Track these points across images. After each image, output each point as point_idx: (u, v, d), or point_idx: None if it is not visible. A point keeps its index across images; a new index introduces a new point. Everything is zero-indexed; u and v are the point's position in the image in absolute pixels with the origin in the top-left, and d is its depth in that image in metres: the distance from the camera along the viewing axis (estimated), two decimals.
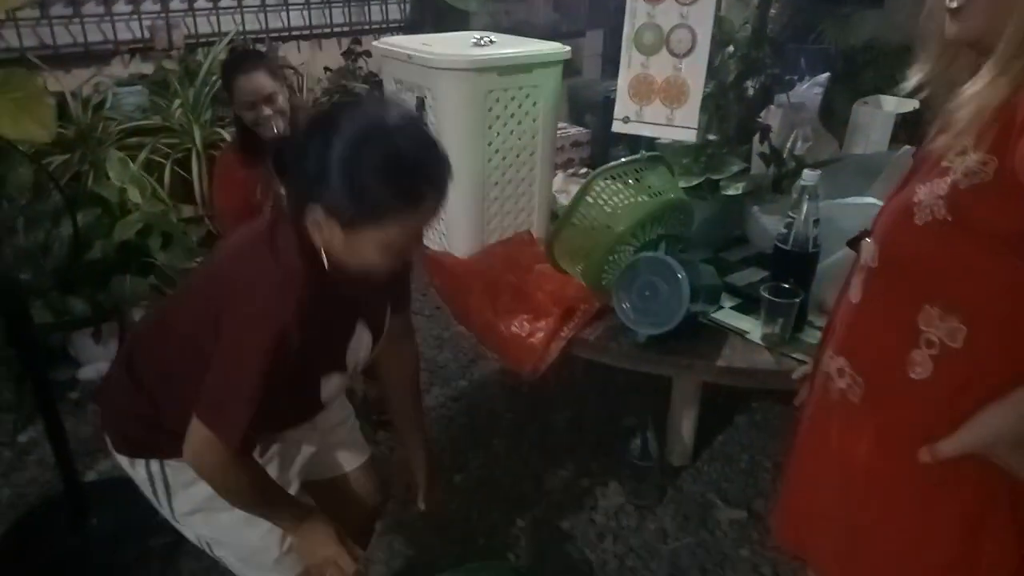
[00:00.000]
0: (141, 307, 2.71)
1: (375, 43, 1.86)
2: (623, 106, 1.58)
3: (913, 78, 0.94)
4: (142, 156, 2.79)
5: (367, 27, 3.80)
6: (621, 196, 1.43)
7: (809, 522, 1.05)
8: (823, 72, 2.22)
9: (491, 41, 1.73)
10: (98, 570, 1.89)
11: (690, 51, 1.44)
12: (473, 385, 2.66)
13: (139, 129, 2.89)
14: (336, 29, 3.68)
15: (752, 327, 1.49)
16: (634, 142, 1.82)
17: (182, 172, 2.88)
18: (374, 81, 3.60)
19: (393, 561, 1.90)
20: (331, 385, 1.18)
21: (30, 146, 2.20)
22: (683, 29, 1.44)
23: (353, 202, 0.95)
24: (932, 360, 0.82)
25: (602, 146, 2.16)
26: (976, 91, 0.77)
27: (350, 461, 1.46)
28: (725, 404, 2.45)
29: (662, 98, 1.51)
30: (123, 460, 1.22)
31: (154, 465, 1.19)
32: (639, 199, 1.43)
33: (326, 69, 3.63)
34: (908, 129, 1.96)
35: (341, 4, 3.69)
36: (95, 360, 2.71)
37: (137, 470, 1.22)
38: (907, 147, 1.60)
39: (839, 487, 0.97)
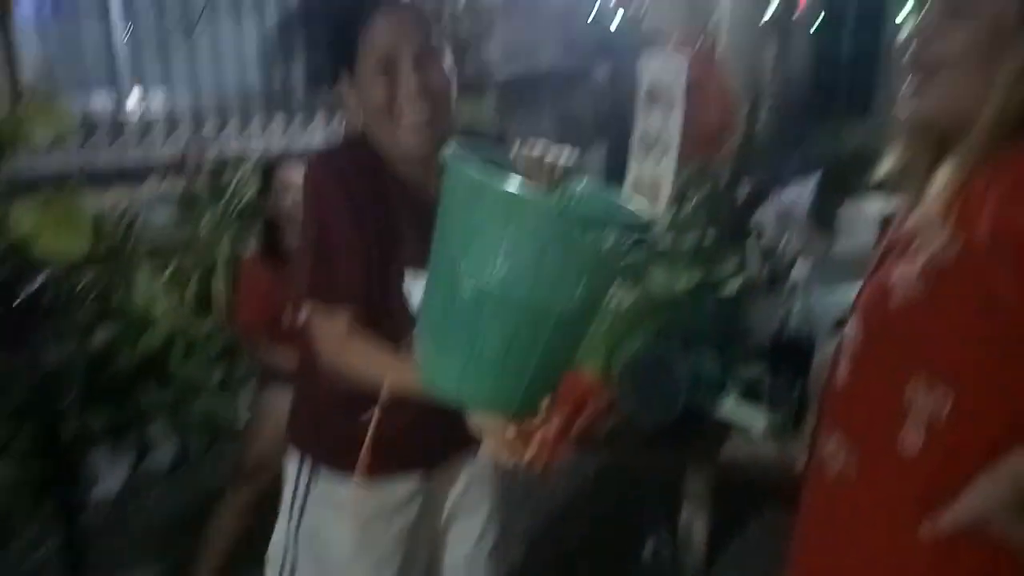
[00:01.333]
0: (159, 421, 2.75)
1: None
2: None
3: (885, 166, 1.01)
4: (169, 270, 2.93)
5: None
6: (628, 290, 1.51)
7: None
8: (812, 174, 2.34)
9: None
10: None
11: (665, 154, 1.56)
12: None
13: (167, 244, 3.04)
14: None
15: (756, 420, 1.53)
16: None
17: (207, 285, 3.00)
18: None
19: None
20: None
21: (65, 260, 2.34)
22: (662, 134, 1.57)
23: (334, 45, 1.09)
24: (922, 433, 0.84)
25: None
26: (948, 174, 0.83)
27: None
28: (740, 510, 2.41)
29: (648, 194, 1.63)
30: (289, 450, 1.27)
31: (306, 466, 1.23)
32: (646, 293, 1.50)
33: None
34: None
35: None
36: (109, 478, 2.67)
37: (291, 463, 1.26)
38: None
39: (848, 569, 0.97)
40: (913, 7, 2.32)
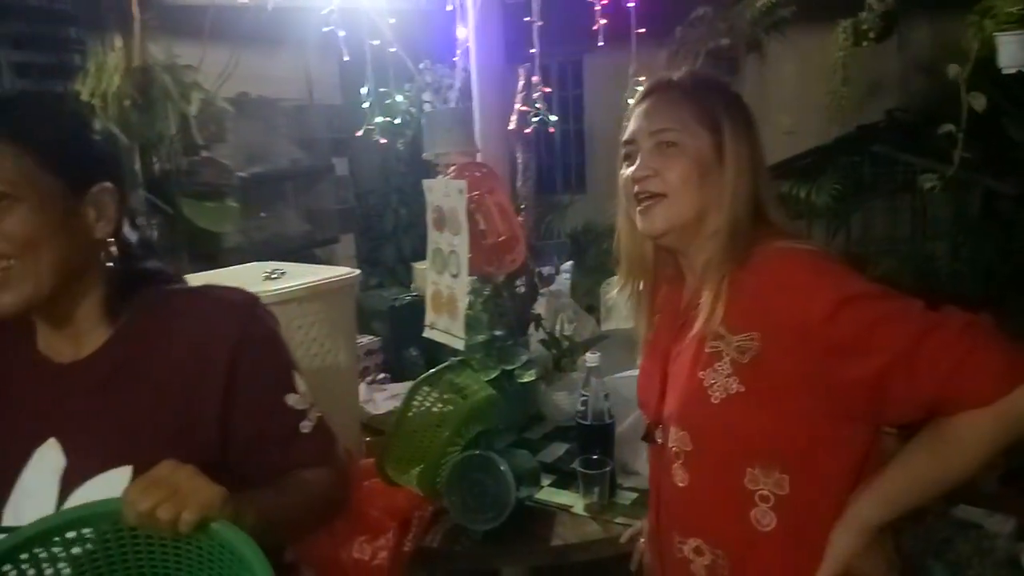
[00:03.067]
0: None
1: None
2: (428, 315, 1.75)
3: (615, 288, 1.20)
4: None
5: None
6: (441, 401, 1.55)
7: None
8: (562, 260, 2.60)
9: (282, 272, 1.81)
10: None
11: (458, 273, 1.65)
12: None
13: None
14: None
15: (572, 500, 1.63)
16: (426, 345, 1.97)
17: None
18: None
19: None
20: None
21: None
22: (453, 255, 1.66)
23: None
24: (772, 511, 0.96)
25: (394, 351, 2.28)
26: (709, 281, 0.99)
27: None
28: None
29: (447, 311, 1.69)
30: None
31: None
32: (457, 401, 1.55)
33: None
34: None
35: None
36: None
37: None
38: None
39: None
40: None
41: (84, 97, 3.26)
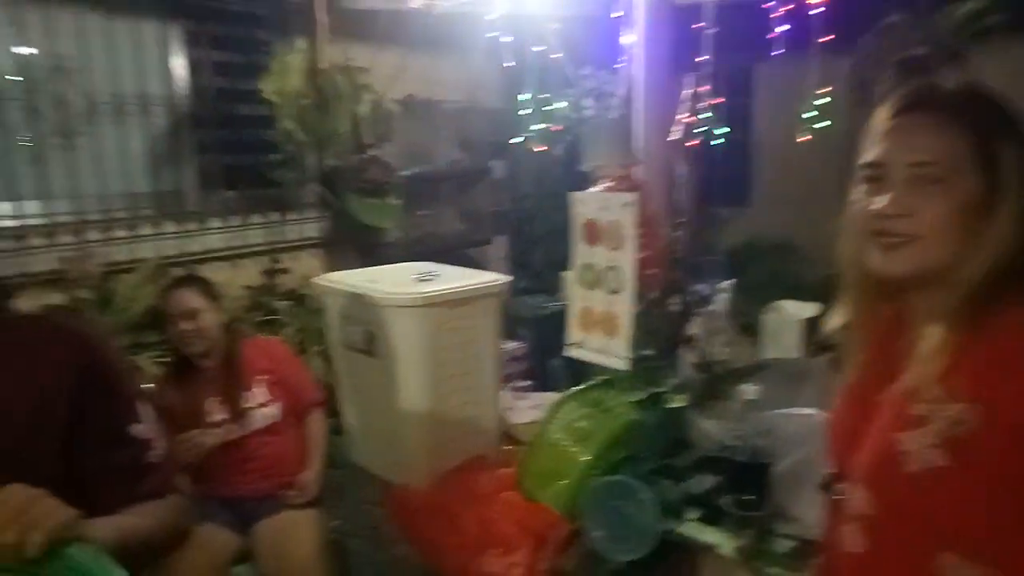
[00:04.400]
0: None
1: (316, 280, 1.92)
2: (573, 333, 1.69)
3: (836, 320, 1.02)
4: None
5: (285, 245, 3.89)
6: (585, 418, 1.50)
7: None
8: (720, 278, 2.46)
9: (436, 274, 1.83)
10: None
11: (620, 290, 1.58)
12: None
13: None
14: (255, 249, 3.74)
15: (719, 539, 1.52)
16: (570, 356, 1.92)
17: None
18: (295, 297, 3.64)
19: None
20: None
21: None
22: (613, 271, 1.59)
23: None
24: None
25: (539, 360, 2.25)
26: (939, 337, 0.83)
27: None
28: None
29: (601, 329, 1.62)
30: None
31: None
32: (602, 421, 1.49)
33: (246, 287, 3.64)
34: (813, 331, 2.17)
35: (258, 225, 3.79)
36: None
37: None
38: (826, 354, 1.77)
39: None
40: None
41: (267, 95, 3.50)
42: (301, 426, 2.25)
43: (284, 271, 3.73)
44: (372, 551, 2.83)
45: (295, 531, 2.02)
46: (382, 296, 1.68)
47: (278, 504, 2.09)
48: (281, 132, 3.60)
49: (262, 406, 2.14)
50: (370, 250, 3.87)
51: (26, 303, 2.95)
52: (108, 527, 0.85)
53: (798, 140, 2.49)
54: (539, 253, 4.87)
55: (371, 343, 1.76)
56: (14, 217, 3.00)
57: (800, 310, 2.21)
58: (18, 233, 2.99)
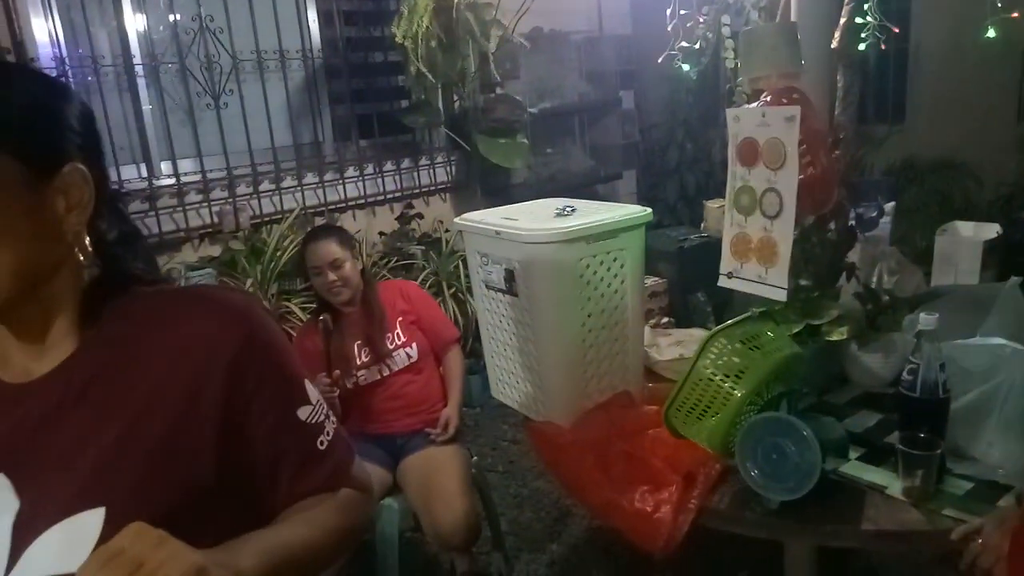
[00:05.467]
0: None
1: (457, 219, 1.92)
2: (726, 263, 1.60)
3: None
4: None
5: (417, 191, 3.97)
6: (738, 353, 1.42)
7: None
8: (880, 201, 2.24)
9: (573, 209, 1.77)
10: None
11: (779, 214, 1.46)
12: (564, 547, 2.54)
13: None
14: (389, 196, 3.85)
15: (887, 480, 1.41)
16: (714, 290, 1.82)
17: None
18: (428, 241, 3.72)
19: None
20: None
21: None
22: (772, 193, 1.47)
23: None
24: None
25: (680, 295, 2.17)
26: None
27: None
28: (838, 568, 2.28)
29: (757, 257, 1.52)
30: None
31: None
32: (757, 356, 1.41)
33: (380, 234, 3.76)
34: (994, 256, 1.94)
35: (392, 172, 3.88)
36: None
37: None
38: (1015, 278, 1.57)
39: None
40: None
41: (398, 40, 3.52)
42: (440, 364, 2.31)
43: (418, 216, 3.82)
44: (510, 486, 2.91)
45: (441, 465, 2.09)
46: (522, 232, 1.65)
47: (423, 440, 2.17)
48: (411, 77, 3.63)
49: (402, 346, 2.21)
50: (500, 191, 3.87)
51: (185, 256, 3.19)
52: (255, 553, 0.72)
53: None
54: (671, 184, 4.70)
55: (511, 282, 1.74)
56: (172, 176, 3.22)
57: (977, 231, 1.98)
58: (176, 191, 3.21)
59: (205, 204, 3.25)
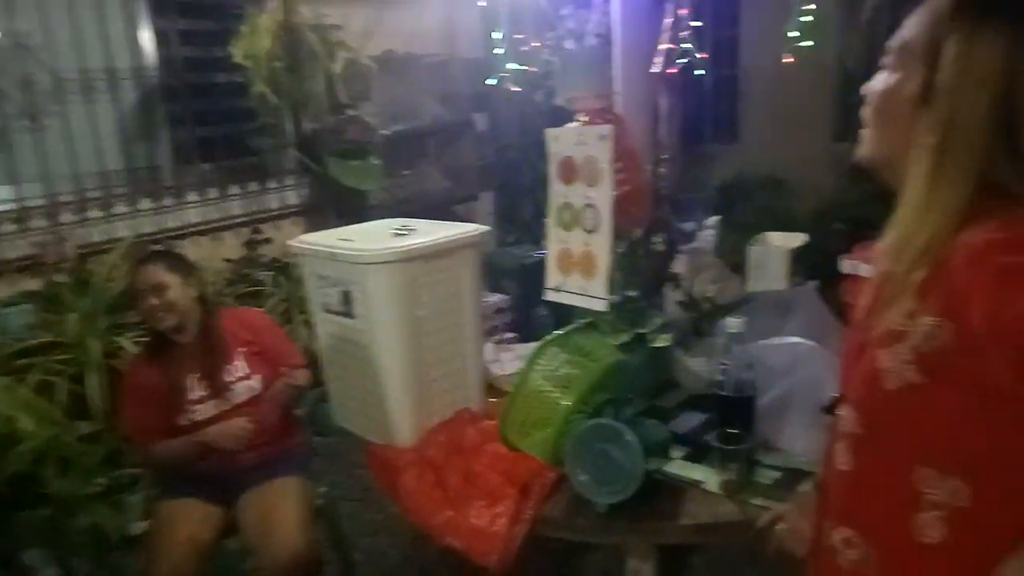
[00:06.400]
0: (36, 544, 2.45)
1: (291, 242, 1.87)
2: (552, 277, 1.65)
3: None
4: (32, 377, 2.62)
5: (266, 215, 3.84)
6: (567, 364, 1.46)
7: None
8: (706, 215, 2.40)
9: (412, 229, 1.77)
10: None
11: (597, 228, 1.53)
12: (419, 572, 2.50)
13: (28, 349, 2.73)
14: (235, 220, 3.70)
15: (705, 475, 1.49)
16: (555, 305, 1.88)
17: (78, 387, 2.71)
18: (278, 266, 3.60)
19: None
20: None
21: None
22: (590, 208, 1.54)
23: None
24: (942, 522, 0.80)
25: (524, 311, 2.21)
26: (896, 236, 0.80)
27: None
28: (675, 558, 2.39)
29: (579, 271, 1.58)
30: None
31: None
32: (584, 365, 1.46)
33: (226, 260, 3.60)
34: (800, 262, 2.13)
35: (239, 196, 3.73)
36: None
37: None
38: (811, 282, 1.72)
39: None
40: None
41: (237, 60, 3.41)
42: None
43: (266, 241, 3.69)
44: (364, 514, 2.84)
45: (281, 500, 2.00)
46: (356, 254, 1.63)
47: (262, 474, 2.07)
48: (255, 98, 3.52)
49: (244, 379, 2.11)
50: (354, 214, 3.81)
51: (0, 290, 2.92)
52: None
53: (783, 61, 2.38)
54: (526, 204, 4.81)
55: (348, 304, 1.71)
56: None
57: (786, 241, 2.16)
58: None
59: (22, 234, 2.98)
